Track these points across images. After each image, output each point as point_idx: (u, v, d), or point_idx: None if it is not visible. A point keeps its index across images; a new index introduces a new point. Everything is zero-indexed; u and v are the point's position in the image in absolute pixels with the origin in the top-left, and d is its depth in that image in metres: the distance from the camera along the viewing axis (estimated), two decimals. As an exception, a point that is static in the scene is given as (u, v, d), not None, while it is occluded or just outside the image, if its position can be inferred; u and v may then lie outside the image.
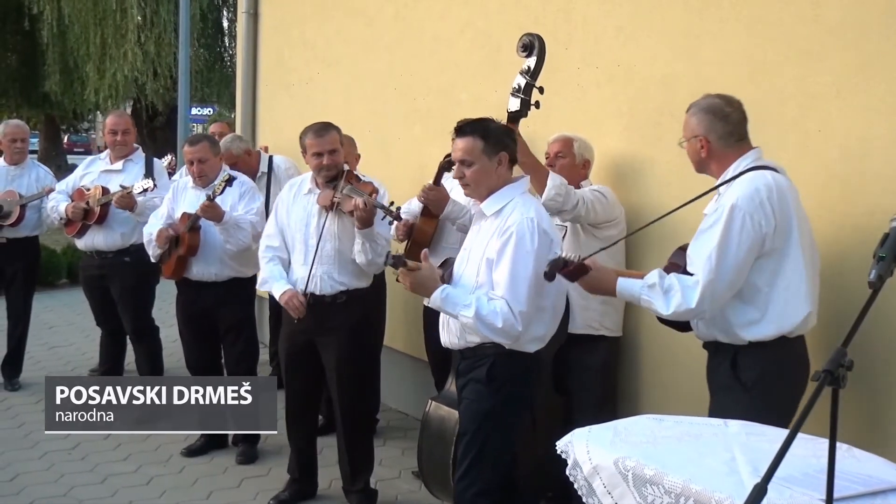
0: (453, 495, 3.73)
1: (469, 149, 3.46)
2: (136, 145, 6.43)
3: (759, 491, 1.93)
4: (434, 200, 4.72)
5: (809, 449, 2.21)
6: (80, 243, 6.28)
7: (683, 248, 3.51)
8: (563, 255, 3.37)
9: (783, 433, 2.53)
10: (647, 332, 4.18)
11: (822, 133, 3.69)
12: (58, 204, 6.25)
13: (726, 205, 3.20)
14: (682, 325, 3.55)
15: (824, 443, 2.04)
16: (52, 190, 6.50)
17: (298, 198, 4.70)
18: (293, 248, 4.65)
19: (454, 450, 3.98)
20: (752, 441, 2.60)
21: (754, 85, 3.76)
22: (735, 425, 2.79)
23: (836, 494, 1.95)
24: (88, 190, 6.14)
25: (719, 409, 3.31)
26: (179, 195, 5.54)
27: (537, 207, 3.46)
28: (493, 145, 3.45)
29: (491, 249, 3.41)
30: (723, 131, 3.35)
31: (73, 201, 6.15)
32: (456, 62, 5.72)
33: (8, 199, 6.57)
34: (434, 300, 3.50)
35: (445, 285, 3.52)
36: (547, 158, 4.47)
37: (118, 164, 6.25)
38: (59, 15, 16.73)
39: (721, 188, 3.34)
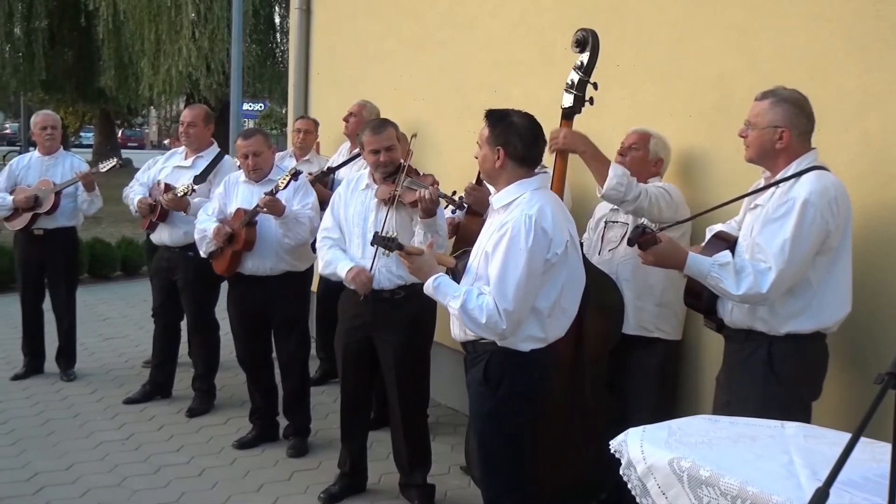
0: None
1: (481, 134, 3.49)
2: (212, 140, 6.40)
3: (822, 495, 1.90)
4: (476, 200, 4.71)
5: (868, 453, 2.17)
6: (153, 237, 6.38)
7: (721, 237, 3.59)
8: (644, 222, 3.54)
9: (842, 436, 2.50)
10: (707, 336, 4.11)
11: (882, 132, 3.63)
12: (134, 195, 6.32)
13: (797, 198, 3.24)
14: (707, 312, 3.63)
15: (885, 447, 2.00)
16: (85, 174, 6.59)
17: (356, 193, 4.73)
18: (350, 243, 4.67)
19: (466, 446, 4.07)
20: (811, 443, 2.56)
21: (814, 82, 3.69)
22: (792, 427, 2.75)
23: (900, 499, 1.92)
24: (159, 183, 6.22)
25: (741, 396, 3.41)
26: (231, 190, 5.54)
27: (542, 206, 3.37)
28: (495, 137, 3.43)
29: (490, 243, 3.41)
30: (804, 127, 3.39)
31: (150, 195, 6.24)
32: (508, 59, 5.71)
33: (43, 187, 6.66)
34: (427, 287, 3.54)
35: (440, 274, 3.54)
36: (621, 148, 4.45)
37: (189, 161, 6.28)
38: (115, 11, 16.89)
39: (783, 182, 3.36)
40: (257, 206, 5.20)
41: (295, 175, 5.26)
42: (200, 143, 6.28)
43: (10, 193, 6.70)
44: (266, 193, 5.16)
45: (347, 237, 4.70)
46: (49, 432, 5.82)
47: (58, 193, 6.62)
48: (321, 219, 5.04)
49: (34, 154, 6.96)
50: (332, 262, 4.64)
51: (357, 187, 4.74)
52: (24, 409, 6.28)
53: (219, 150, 6.39)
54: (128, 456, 5.46)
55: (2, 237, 10.94)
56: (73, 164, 6.85)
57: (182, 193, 5.89)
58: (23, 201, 6.61)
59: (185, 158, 6.31)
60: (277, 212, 5.18)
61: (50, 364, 7.10)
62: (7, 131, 43.17)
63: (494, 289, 3.30)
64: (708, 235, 3.73)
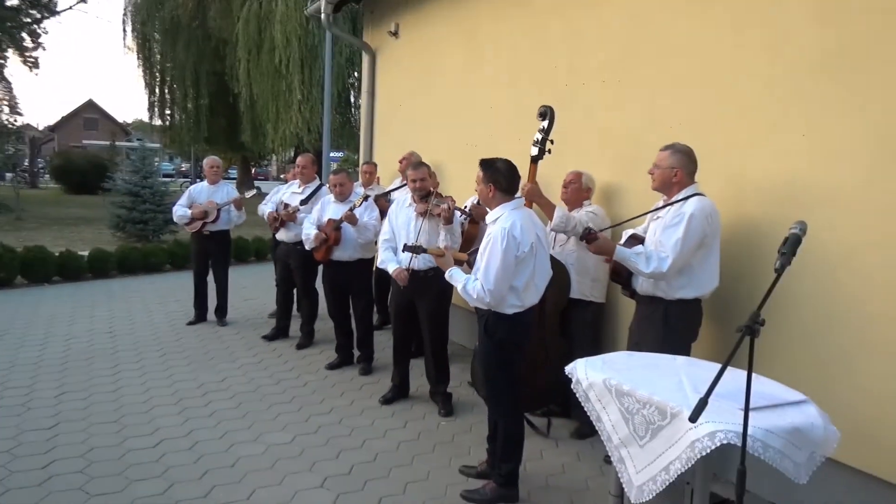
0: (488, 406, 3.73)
1: (478, 176, 3.45)
2: (315, 175, 6.42)
3: (702, 402, 1.89)
4: (477, 213, 4.76)
5: (732, 376, 2.14)
6: (277, 236, 6.37)
7: (634, 237, 3.60)
8: (589, 226, 3.63)
9: (714, 366, 2.47)
10: (623, 300, 4.09)
11: (741, 171, 3.58)
12: (266, 209, 6.44)
13: (686, 213, 3.28)
14: (625, 285, 3.63)
15: (742, 373, 1.98)
16: (236, 199, 6.63)
17: (403, 208, 4.71)
18: (399, 241, 4.63)
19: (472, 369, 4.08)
20: (693, 370, 2.54)
21: (695, 137, 3.64)
22: (681, 359, 2.72)
23: (751, 405, 1.90)
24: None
25: (646, 340, 3.39)
26: (325, 207, 5.55)
27: (515, 221, 3.30)
28: (487, 177, 3.40)
29: (482, 246, 3.37)
30: (691, 168, 3.41)
31: (276, 210, 6.33)
32: (497, 123, 5.67)
33: (209, 206, 6.68)
34: (447, 275, 3.56)
35: (454, 267, 3.55)
36: (564, 182, 4.42)
37: (301, 189, 6.32)
38: (251, 93, 16.93)
39: (676, 203, 3.38)
40: (342, 217, 5.26)
41: (366, 198, 5.43)
42: (309, 178, 6.35)
43: (189, 208, 6.72)
44: (348, 210, 5.29)
45: (398, 238, 4.68)
46: (210, 358, 5.83)
47: (219, 210, 6.65)
48: (381, 224, 5.08)
49: (204, 183, 6.94)
50: (385, 260, 4.67)
51: (403, 205, 4.72)
52: (194, 343, 6.29)
53: (319, 182, 6.40)
54: (259, 373, 5.47)
55: (183, 236, 10.96)
56: (228, 191, 6.83)
57: (293, 210, 6.04)
58: (198, 214, 6.65)
59: (299, 188, 6.35)
60: (353, 222, 5.26)
61: (210, 315, 7.11)
62: (182, 168, 43.48)
63: (482, 275, 3.29)
64: (624, 236, 3.72)
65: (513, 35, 5.53)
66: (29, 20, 23.19)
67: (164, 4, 19.56)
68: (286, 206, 6.21)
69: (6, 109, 23.52)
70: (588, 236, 3.54)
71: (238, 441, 4.11)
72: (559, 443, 4.26)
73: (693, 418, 1.89)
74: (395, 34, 7.35)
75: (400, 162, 6.32)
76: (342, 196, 5.47)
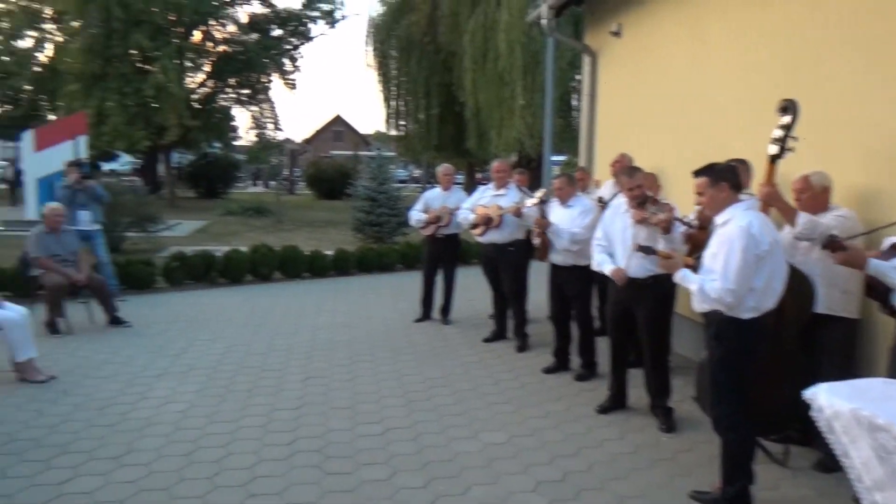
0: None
1: (699, 184, 3.28)
2: (510, 180, 6.49)
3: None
4: (704, 220, 4.33)
5: None
6: (483, 239, 6.42)
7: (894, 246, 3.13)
8: (833, 233, 3.21)
9: None
10: (881, 316, 3.53)
11: None
12: (466, 215, 6.51)
13: None
14: (882, 301, 3.18)
15: None
16: (457, 208, 6.78)
17: (618, 214, 4.56)
18: (615, 247, 4.51)
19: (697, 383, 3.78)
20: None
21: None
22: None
23: None
24: (487, 207, 6.33)
25: None
26: (549, 209, 5.53)
27: (751, 219, 3.11)
28: (712, 180, 3.23)
29: (716, 247, 3.18)
30: None
31: (475, 214, 6.39)
32: (728, 121, 5.24)
33: (442, 211, 6.97)
34: (675, 277, 3.41)
35: (683, 268, 3.38)
36: (795, 194, 3.90)
37: (502, 191, 6.39)
38: (476, 102, 17.58)
39: None
40: (537, 221, 5.47)
41: (543, 201, 5.51)
42: (504, 182, 6.39)
43: (425, 213, 7.08)
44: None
45: (612, 244, 4.56)
46: (435, 354, 6.11)
47: (451, 214, 6.89)
48: (586, 232, 5.12)
49: (438, 189, 7.26)
50: (601, 262, 4.57)
51: (619, 211, 4.57)
52: (420, 339, 6.64)
53: (515, 185, 6.45)
54: (479, 371, 5.61)
55: (414, 238, 11.64)
56: (459, 197, 7.06)
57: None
58: (432, 218, 7.00)
59: (496, 190, 6.42)
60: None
61: (435, 314, 7.42)
62: (415, 175, 46.02)
63: (721, 275, 3.09)
64: (885, 244, 3.21)
65: (745, 27, 5.09)
66: (289, 47, 26.24)
67: (400, 23, 20.98)
68: (498, 207, 6.25)
69: (270, 126, 26.67)
70: (832, 244, 3.09)
71: (457, 437, 4.25)
72: (798, 474, 3.81)
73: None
74: (618, 34, 7.14)
75: (612, 166, 6.12)
76: (563, 199, 5.48)
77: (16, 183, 22.63)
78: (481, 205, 6.41)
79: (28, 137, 11.91)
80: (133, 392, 4.97)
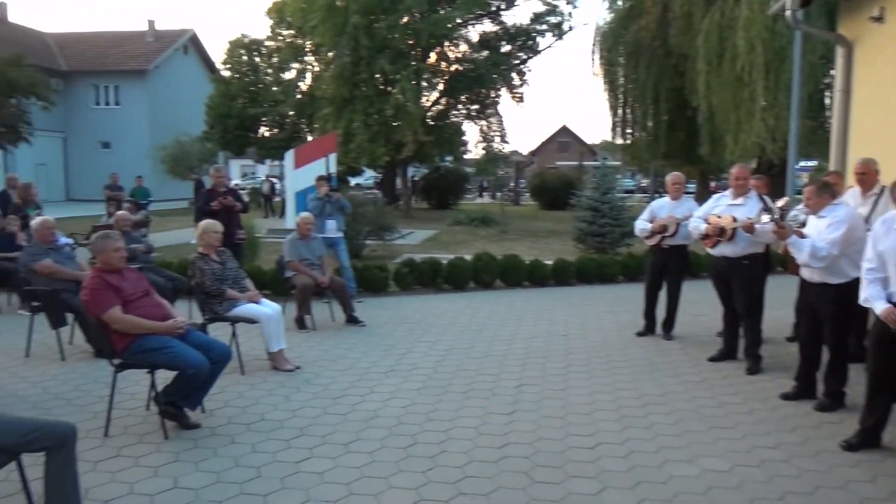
0: None
1: None
2: (750, 187, 5.90)
3: None
4: None
5: None
6: (714, 251, 5.97)
7: None
8: None
9: None
10: None
11: None
12: (697, 225, 6.07)
13: None
14: None
15: None
16: (686, 218, 6.36)
17: (891, 232, 3.86)
18: (889, 271, 3.87)
19: None
20: None
21: None
22: None
23: None
24: (720, 217, 5.89)
25: None
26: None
27: None
28: None
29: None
30: None
31: (708, 224, 5.94)
32: None
33: (669, 220, 6.61)
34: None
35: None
36: None
37: (739, 200, 5.86)
38: (709, 105, 16.54)
39: None
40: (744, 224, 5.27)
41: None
42: (744, 190, 5.87)
43: (650, 222, 6.80)
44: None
45: (884, 267, 3.89)
46: (653, 370, 5.83)
47: (678, 223, 6.53)
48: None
49: (666, 199, 6.93)
50: (869, 299, 3.94)
51: (891, 226, 3.86)
52: (638, 354, 6.37)
53: (756, 193, 5.86)
54: (701, 392, 5.23)
55: (638, 249, 11.24)
56: (689, 206, 6.65)
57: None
58: (657, 227, 6.68)
59: (734, 199, 5.90)
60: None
61: (657, 328, 7.09)
62: (642, 185, 44.42)
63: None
64: None
65: None
66: (517, 61, 26.87)
67: (629, 29, 20.48)
68: (732, 219, 5.73)
69: (497, 139, 27.49)
70: None
71: (672, 459, 4.00)
72: None
73: None
74: (880, 19, 6.27)
75: (856, 174, 5.34)
76: (813, 209, 4.80)
77: (271, 196, 25.98)
78: (715, 214, 5.96)
79: (289, 156, 13.55)
80: (363, 385, 5.40)
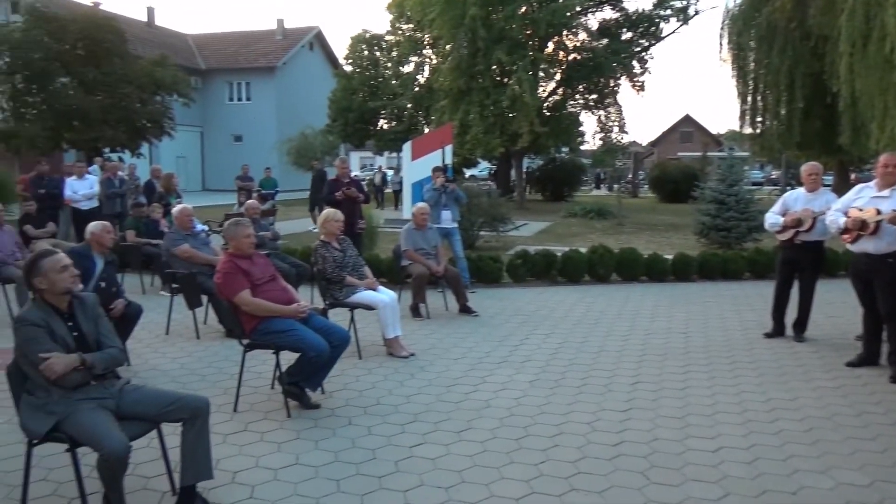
0: None
1: None
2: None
3: None
4: None
5: None
6: (854, 247, 5.52)
7: None
8: None
9: None
10: None
11: None
12: (836, 218, 5.61)
13: None
14: None
15: None
16: (823, 212, 5.90)
17: None
18: None
19: None
20: None
21: None
22: None
23: None
24: (861, 210, 5.42)
25: None
26: None
27: None
28: None
29: None
30: None
31: (848, 217, 5.48)
32: None
33: (804, 214, 6.17)
34: None
35: None
36: None
37: (885, 192, 5.36)
38: (852, 91, 15.25)
39: None
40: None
41: None
42: (894, 179, 5.35)
43: (782, 216, 6.37)
44: None
45: None
46: (782, 374, 5.47)
47: (814, 218, 6.08)
48: None
49: (801, 190, 6.43)
50: None
51: None
52: (766, 356, 6.00)
53: None
54: (836, 399, 4.84)
55: (766, 244, 10.61)
56: (827, 199, 6.13)
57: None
58: (790, 222, 6.26)
59: (879, 190, 5.41)
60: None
61: (788, 329, 6.61)
62: (772, 176, 41.88)
63: None
64: None
65: None
66: (639, 49, 25.96)
67: (761, 11, 19.24)
68: (876, 211, 5.25)
69: (616, 129, 26.72)
70: None
71: (803, 469, 3.73)
72: None
73: None
74: None
75: None
76: None
77: (382, 187, 26.66)
78: (856, 206, 5.51)
79: (407, 148, 13.81)
80: (476, 375, 5.43)
